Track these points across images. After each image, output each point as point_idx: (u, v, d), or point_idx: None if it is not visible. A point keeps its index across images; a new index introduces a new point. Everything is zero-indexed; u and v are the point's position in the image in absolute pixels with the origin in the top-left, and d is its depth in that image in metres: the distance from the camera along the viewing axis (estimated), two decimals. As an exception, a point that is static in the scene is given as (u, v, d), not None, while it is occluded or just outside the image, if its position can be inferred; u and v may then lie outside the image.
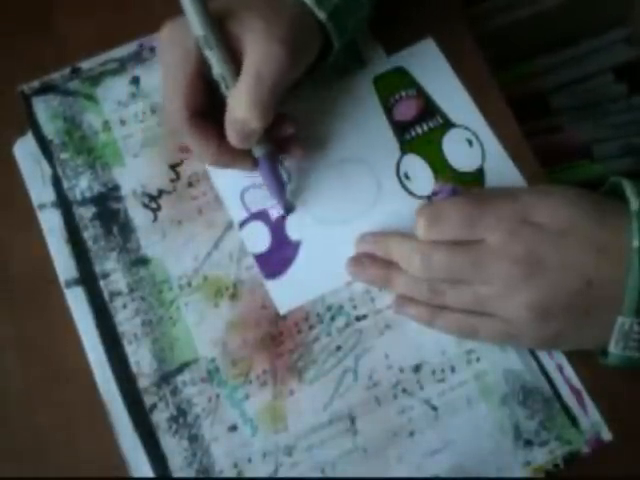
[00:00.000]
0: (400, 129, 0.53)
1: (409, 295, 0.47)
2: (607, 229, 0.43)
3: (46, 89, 0.55)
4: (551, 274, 0.43)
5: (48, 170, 0.53)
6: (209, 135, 0.47)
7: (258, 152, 0.48)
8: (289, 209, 0.51)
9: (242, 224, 0.51)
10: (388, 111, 0.54)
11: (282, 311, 0.49)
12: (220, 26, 0.45)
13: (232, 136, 0.46)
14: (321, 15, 0.47)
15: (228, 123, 0.46)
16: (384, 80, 0.55)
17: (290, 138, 0.51)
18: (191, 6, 0.43)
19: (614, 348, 0.43)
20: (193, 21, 0.44)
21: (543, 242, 0.43)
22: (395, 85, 0.55)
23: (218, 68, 0.45)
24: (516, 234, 0.44)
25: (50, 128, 0.54)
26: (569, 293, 0.43)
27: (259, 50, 0.44)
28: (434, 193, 0.50)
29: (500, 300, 0.44)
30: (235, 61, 0.45)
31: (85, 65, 0.55)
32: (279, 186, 0.50)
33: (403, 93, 0.54)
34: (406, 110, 0.54)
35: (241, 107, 0.44)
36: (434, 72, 0.55)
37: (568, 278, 0.43)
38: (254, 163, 0.49)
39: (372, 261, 0.48)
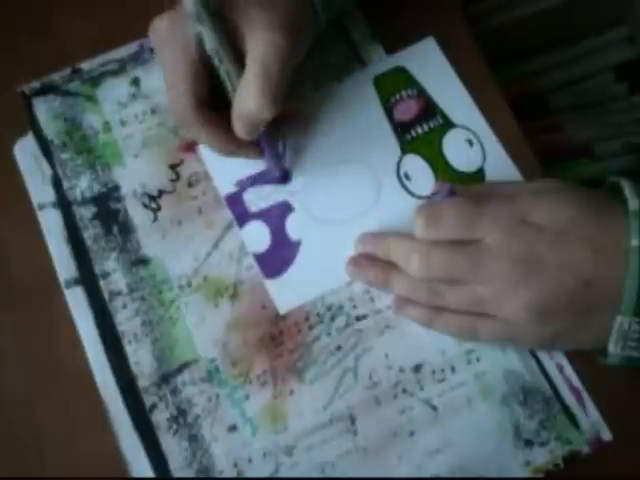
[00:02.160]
0: (400, 129, 0.53)
1: (408, 296, 0.47)
2: (606, 229, 0.43)
3: (46, 90, 0.55)
4: (549, 274, 0.43)
5: (48, 170, 0.53)
6: (216, 124, 0.48)
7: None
8: (286, 177, 0.52)
9: (242, 224, 0.51)
10: (388, 111, 0.54)
11: (282, 311, 0.49)
12: (219, 15, 0.45)
13: (240, 128, 0.46)
14: None
15: (236, 115, 0.46)
16: (384, 80, 0.55)
17: (290, 114, 0.51)
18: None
19: (613, 348, 0.43)
20: (191, 12, 0.44)
21: (541, 242, 0.43)
22: (395, 85, 0.55)
23: (218, 62, 0.45)
24: (514, 234, 0.44)
25: (50, 129, 0.54)
26: (568, 293, 0.43)
27: (262, 41, 0.44)
28: (433, 193, 0.50)
29: (499, 300, 0.44)
30: (236, 50, 0.45)
31: (85, 66, 0.55)
32: (278, 160, 0.51)
33: (403, 93, 0.54)
34: (406, 110, 0.54)
35: (251, 99, 0.44)
36: (435, 72, 0.55)
37: (567, 278, 0.43)
38: (259, 151, 0.50)
39: (371, 262, 0.48)
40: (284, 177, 0.52)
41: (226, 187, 0.52)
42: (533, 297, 0.43)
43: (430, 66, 0.55)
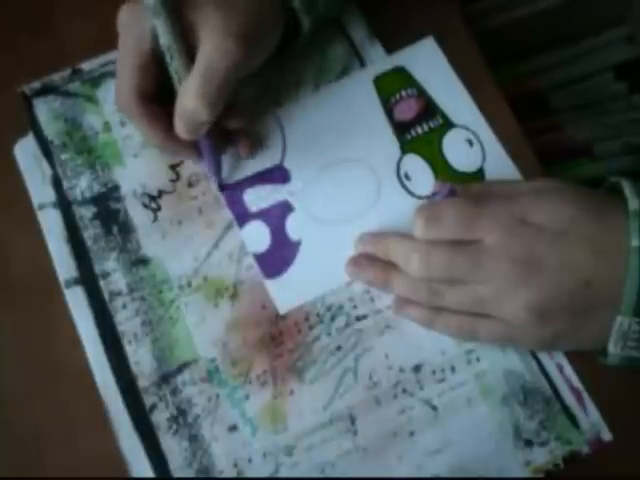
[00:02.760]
0: (400, 129, 0.53)
1: (408, 297, 0.47)
2: (606, 229, 0.43)
3: (47, 90, 0.55)
4: (549, 274, 0.43)
5: (48, 170, 0.53)
6: (157, 121, 0.48)
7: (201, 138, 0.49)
8: (221, 187, 0.52)
9: (242, 224, 0.51)
10: (388, 111, 0.54)
11: (282, 311, 0.49)
12: (177, 11, 0.45)
13: (180, 127, 0.47)
14: None
15: (177, 113, 0.46)
16: (384, 80, 0.55)
17: (238, 131, 0.51)
18: None
19: (613, 348, 0.43)
20: (148, 4, 0.44)
21: (541, 242, 0.43)
22: (395, 85, 0.55)
23: (170, 58, 0.45)
24: (514, 234, 0.44)
25: (51, 129, 0.54)
26: (568, 293, 0.43)
27: (213, 43, 0.44)
28: (433, 193, 0.50)
29: (498, 301, 0.44)
30: (189, 50, 0.45)
31: (86, 66, 0.55)
32: (217, 169, 0.51)
33: (403, 93, 0.54)
34: (406, 110, 0.54)
35: (190, 99, 0.45)
36: (435, 72, 0.55)
37: (566, 278, 0.43)
38: (199, 155, 0.50)
39: (371, 262, 0.48)
40: (221, 187, 0.52)
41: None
42: (533, 298, 0.43)
43: (430, 66, 0.55)
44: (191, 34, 0.45)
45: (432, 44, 0.56)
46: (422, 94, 0.54)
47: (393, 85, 0.55)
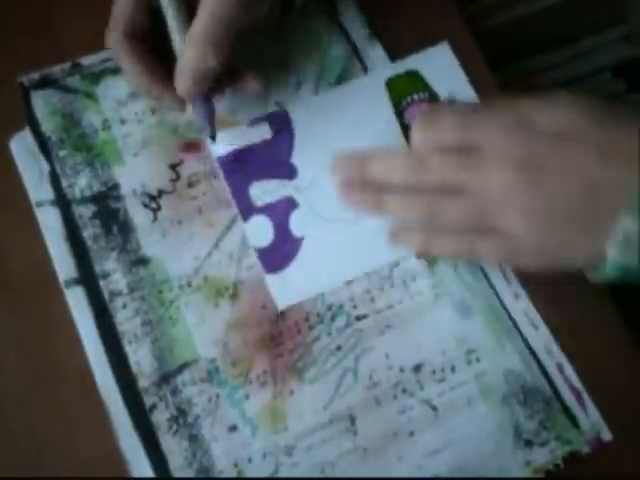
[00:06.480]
0: (410, 132, 0.53)
1: (403, 214, 0.45)
2: (616, 133, 0.40)
3: (45, 83, 0.54)
4: (550, 178, 0.41)
5: (46, 167, 0.52)
6: (143, 59, 0.48)
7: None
8: (213, 138, 0.50)
9: (246, 217, 0.51)
10: (399, 114, 0.54)
11: (281, 307, 0.49)
12: None
13: (183, 79, 0.46)
14: None
15: (181, 65, 0.46)
16: (396, 83, 0.55)
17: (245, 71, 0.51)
18: None
19: (615, 252, 0.40)
20: None
21: (543, 146, 0.41)
22: (407, 88, 0.54)
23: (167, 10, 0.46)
24: (514, 138, 0.42)
25: (48, 124, 0.53)
26: (570, 198, 0.41)
27: None
28: None
29: (498, 208, 0.42)
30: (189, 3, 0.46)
31: (85, 61, 0.55)
32: (210, 118, 0.49)
33: (415, 97, 0.54)
34: (417, 114, 0.54)
35: (197, 45, 0.45)
36: (448, 77, 0.55)
37: (569, 182, 0.40)
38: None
39: (363, 185, 0.46)
40: (213, 138, 0.50)
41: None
42: (533, 203, 0.41)
43: (443, 71, 0.55)
44: None
45: (446, 49, 0.55)
46: (434, 99, 0.54)
47: (405, 88, 0.54)
